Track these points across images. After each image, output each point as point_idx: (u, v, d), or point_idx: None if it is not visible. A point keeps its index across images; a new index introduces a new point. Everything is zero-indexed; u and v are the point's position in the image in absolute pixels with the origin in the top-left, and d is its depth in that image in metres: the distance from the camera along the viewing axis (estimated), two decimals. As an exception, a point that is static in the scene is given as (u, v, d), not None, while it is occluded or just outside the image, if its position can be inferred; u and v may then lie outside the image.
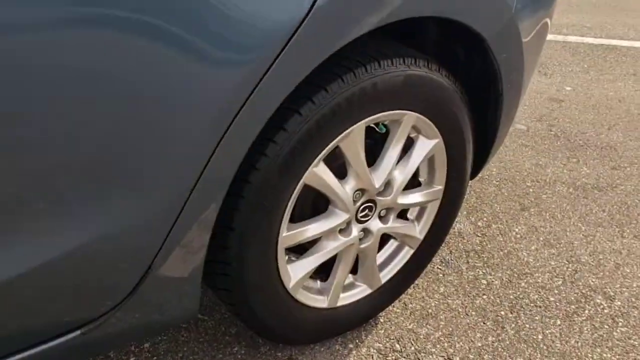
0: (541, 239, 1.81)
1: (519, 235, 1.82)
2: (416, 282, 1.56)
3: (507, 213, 1.93)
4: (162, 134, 0.82)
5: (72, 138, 0.75)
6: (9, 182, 0.75)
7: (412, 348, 1.38)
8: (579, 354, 1.40)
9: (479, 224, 1.86)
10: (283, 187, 1.06)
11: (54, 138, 0.74)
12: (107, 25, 0.71)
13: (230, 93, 0.85)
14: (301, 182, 1.09)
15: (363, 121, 1.11)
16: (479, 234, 1.81)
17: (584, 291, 1.60)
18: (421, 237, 1.40)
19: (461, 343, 1.40)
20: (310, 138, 1.04)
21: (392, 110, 1.15)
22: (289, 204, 1.09)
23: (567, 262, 1.71)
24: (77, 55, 0.71)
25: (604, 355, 1.40)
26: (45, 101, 0.71)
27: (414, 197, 1.32)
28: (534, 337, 1.44)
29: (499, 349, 1.39)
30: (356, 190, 1.20)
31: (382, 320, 1.45)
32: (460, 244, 1.75)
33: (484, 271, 1.65)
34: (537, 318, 1.50)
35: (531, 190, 2.08)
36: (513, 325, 1.47)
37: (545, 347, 1.41)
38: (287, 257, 1.18)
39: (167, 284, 0.98)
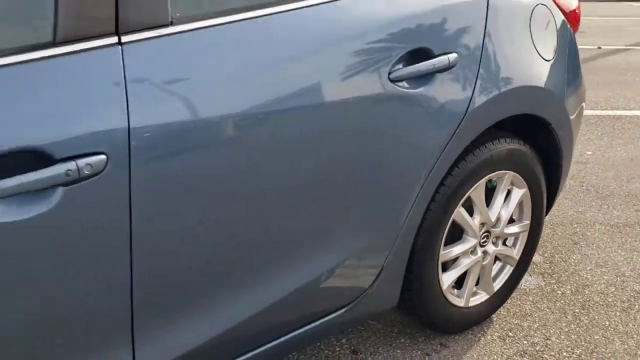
0: (593, 262, 2.44)
1: (576, 261, 2.45)
2: (512, 294, 2.18)
3: (564, 246, 2.57)
4: (400, 179, 1.50)
5: (365, 179, 1.43)
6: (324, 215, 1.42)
7: (521, 334, 1.99)
8: (638, 331, 2.00)
9: (545, 255, 2.50)
10: (443, 220, 1.73)
11: (353, 177, 1.42)
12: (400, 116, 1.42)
13: (435, 150, 1.54)
14: (451, 218, 1.76)
15: (484, 179, 1.79)
16: (547, 262, 2.44)
17: (632, 293, 2.22)
18: (517, 258, 2.04)
19: (553, 329, 2.01)
20: (457, 190, 1.72)
21: (500, 170, 1.83)
22: (445, 231, 1.76)
23: (615, 276, 2.33)
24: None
25: (654, 333, 2.00)
26: (365, 154, 1.40)
27: (513, 229, 1.97)
28: (603, 323, 2.05)
29: (580, 332, 2.00)
30: (480, 224, 1.86)
31: (494, 318, 2.06)
32: (536, 269, 2.39)
33: (557, 285, 2.27)
34: (602, 312, 2.11)
35: (577, 229, 2.72)
36: (586, 317, 2.08)
37: (612, 329, 2.01)
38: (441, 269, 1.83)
39: (388, 281, 1.63)
